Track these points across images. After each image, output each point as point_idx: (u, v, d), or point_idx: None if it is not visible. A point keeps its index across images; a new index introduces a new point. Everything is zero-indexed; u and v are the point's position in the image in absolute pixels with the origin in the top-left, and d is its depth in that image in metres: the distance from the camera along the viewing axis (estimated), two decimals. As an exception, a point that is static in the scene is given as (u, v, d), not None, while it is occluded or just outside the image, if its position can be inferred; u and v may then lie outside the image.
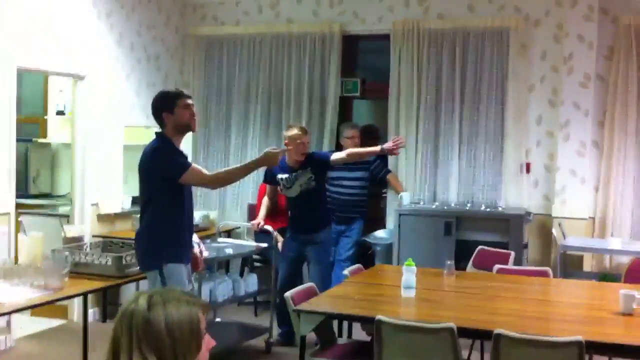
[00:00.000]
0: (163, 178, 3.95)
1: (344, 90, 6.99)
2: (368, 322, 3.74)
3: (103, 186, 6.30)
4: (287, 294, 3.95)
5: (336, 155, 5.45)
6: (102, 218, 6.35)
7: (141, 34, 6.80)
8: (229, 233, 6.89)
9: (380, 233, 6.70)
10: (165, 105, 4.06)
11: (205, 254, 4.89)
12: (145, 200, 4.04)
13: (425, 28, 6.54)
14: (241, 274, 6.14)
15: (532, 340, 3.25)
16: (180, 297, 1.85)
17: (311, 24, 6.95)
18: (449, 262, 4.71)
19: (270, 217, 5.93)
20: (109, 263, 4.44)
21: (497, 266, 4.98)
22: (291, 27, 7.02)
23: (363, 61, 7.48)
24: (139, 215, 4.16)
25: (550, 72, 6.29)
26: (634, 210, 6.04)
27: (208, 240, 5.56)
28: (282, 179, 5.48)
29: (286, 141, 5.41)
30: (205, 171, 4.15)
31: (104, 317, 6.25)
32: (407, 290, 4.07)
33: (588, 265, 6.12)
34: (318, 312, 3.77)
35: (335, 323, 4.38)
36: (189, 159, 6.83)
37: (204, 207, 7.14)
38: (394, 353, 3.52)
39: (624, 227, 6.02)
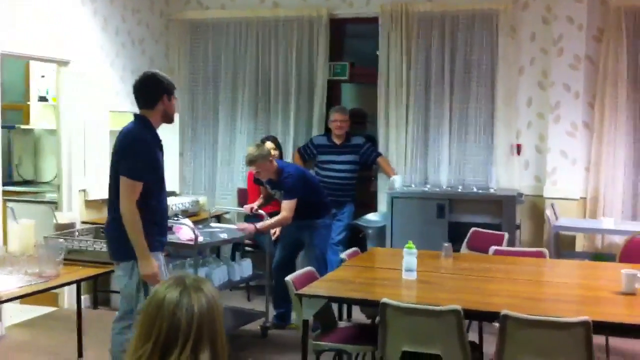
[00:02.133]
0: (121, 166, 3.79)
1: (332, 74, 6.93)
2: (372, 306, 3.72)
3: (90, 172, 6.20)
4: (288, 278, 3.91)
5: (283, 204, 5.34)
6: (90, 204, 6.25)
7: (126, 19, 6.67)
8: (218, 218, 6.83)
9: (371, 216, 6.68)
10: (168, 89, 3.93)
11: (200, 239, 4.87)
12: (118, 186, 3.80)
13: (414, 11, 6.49)
14: (232, 259, 6.09)
15: (539, 321, 3.25)
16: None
17: (298, 8, 6.87)
18: (446, 245, 4.70)
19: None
20: (104, 249, 4.35)
21: (493, 248, 4.99)
22: (278, 12, 6.93)
23: (351, 45, 7.42)
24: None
25: (539, 54, 6.29)
26: (624, 190, 6.08)
27: (200, 226, 5.50)
28: (267, 185, 5.54)
29: None
30: (134, 200, 3.76)
31: (95, 304, 6.18)
32: (408, 273, 4.05)
33: (580, 245, 6.16)
34: (321, 296, 3.74)
35: (334, 307, 4.36)
36: (177, 146, 6.95)
37: (193, 192, 7.07)
38: (399, 336, 3.50)
39: (615, 207, 6.06)
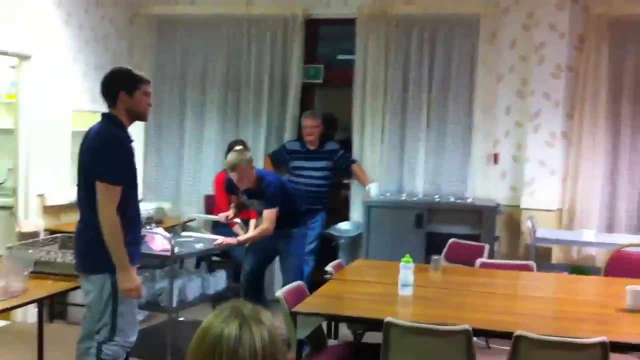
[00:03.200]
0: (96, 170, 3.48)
1: (305, 77, 6.69)
2: (374, 324, 3.50)
3: (50, 176, 5.80)
4: (279, 294, 3.66)
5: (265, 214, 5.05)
6: (49, 210, 5.85)
7: (89, 13, 6.29)
8: (183, 226, 6.49)
9: (343, 225, 6.47)
10: (126, 85, 3.60)
11: (177, 250, 4.57)
12: (90, 191, 3.47)
13: (394, 13, 6.32)
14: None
15: (555, 342, 3.08)
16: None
17: (272, 6, 6.61)
18: (436, 257, 4.53)
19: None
20: (73, 261, 4.01)
21: (479, 260, 4.85)
22: (251, 9, 6.65)
23: (327, 47, 7.19)
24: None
25: (519, 61, 6.18)
26: (602, 202, 6.02)
27: (170, 235, 5.17)
28: (242, 195, 5.25)
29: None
30: (115, 206, 3.44)
31: (52, 317, 5.77)
32: (405, 288, 3.85)
33: (555, 257, 6.07)
34: (319, 314, 3.50)
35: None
36: (140, 148, 6.60)
37: (157, 199, 6.71)
38: (403, 356, 3.29)
39: (592, 218, 5.99)
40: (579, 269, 5.64)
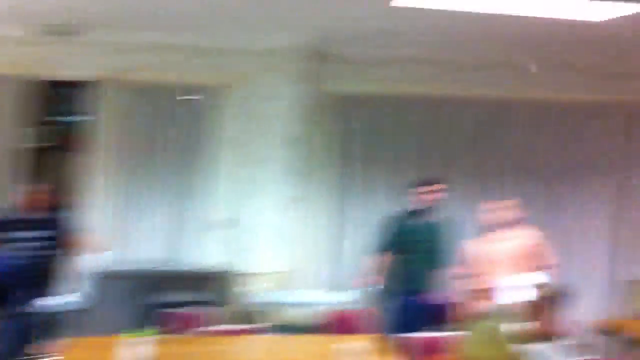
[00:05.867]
0: None
1: (28, 140, 6.35)
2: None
3: None
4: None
5: None
6: None
7: None
8: None
9: (65, 298, 6.12)
10: None
11: None
12: None
13: (130, 80, 6.28)
14: None
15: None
16: None
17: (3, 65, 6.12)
18: (166, 329, 4.51)
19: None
20: None
21: (206, 328, 4.91)
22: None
23: (60, 109, 6.93)
24: None
25: (248, 130, 6.41)
26: (324, 263, 6.47)
27: None
28: None
29: None
30: None
31: None
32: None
33: (272, 318, 6.28)
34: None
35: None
36: None
37: None
38: None
39: (315, 278, 6.40)
40: (298, 328, 5.93)
